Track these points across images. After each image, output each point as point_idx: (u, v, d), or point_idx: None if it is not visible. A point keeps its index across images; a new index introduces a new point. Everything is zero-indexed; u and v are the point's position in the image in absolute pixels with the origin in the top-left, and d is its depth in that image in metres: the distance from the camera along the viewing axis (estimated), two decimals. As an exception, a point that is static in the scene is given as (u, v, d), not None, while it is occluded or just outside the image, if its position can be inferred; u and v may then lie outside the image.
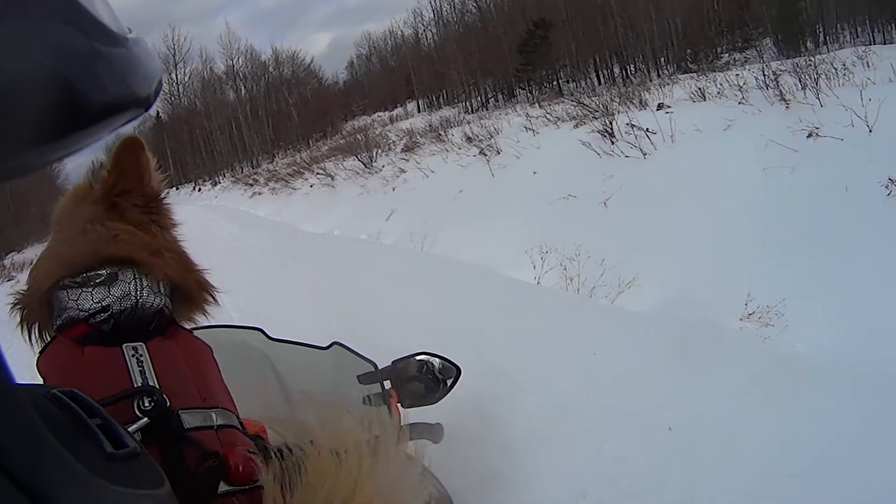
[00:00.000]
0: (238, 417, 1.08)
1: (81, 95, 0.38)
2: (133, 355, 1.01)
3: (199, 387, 1.04)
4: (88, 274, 1.06)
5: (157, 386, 0.97)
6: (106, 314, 1.04)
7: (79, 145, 0.39)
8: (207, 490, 0.88)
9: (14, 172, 0.37)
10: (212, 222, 22.11)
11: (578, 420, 3.60)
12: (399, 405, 1.54)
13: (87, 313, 1.04)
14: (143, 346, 1.03)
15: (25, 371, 1.01)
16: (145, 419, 0.90)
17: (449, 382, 1.60)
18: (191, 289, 1.18)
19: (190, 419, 0.96)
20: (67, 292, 1.06)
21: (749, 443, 3.16)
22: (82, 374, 0.98)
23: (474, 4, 53.83)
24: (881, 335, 4.45)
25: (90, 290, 1.05)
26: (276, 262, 10.42)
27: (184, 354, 1.08)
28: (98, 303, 1.05)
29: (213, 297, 1.23)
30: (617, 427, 3.48)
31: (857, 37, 31.52)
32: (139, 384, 0.97)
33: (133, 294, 1.07)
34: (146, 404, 0.92)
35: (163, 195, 1.20)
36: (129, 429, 0.86)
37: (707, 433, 3.29)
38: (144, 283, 1.09)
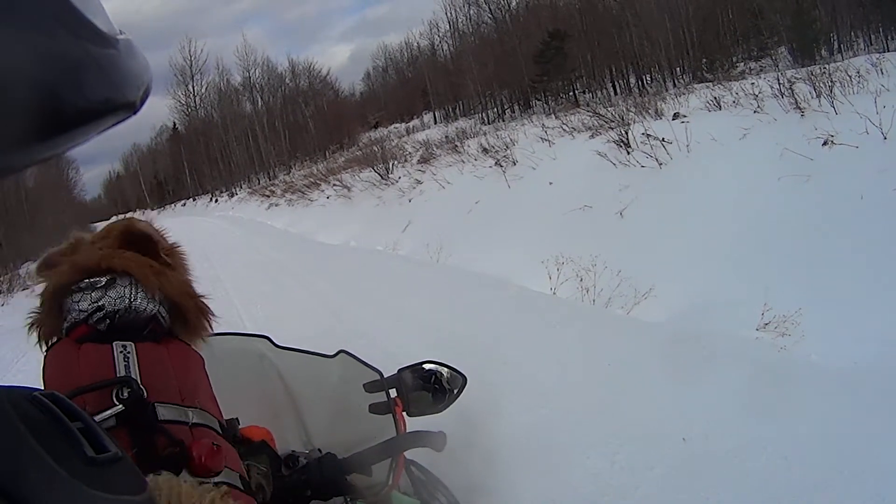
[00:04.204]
0: (221, 423, 1.12)
1: (68, 97, 0.37)
2: (121, 351, 1.06)
3: (182, 388, 1.09)
4: (91, 280, 1.13)
5: (139, 380, 1.02)
6: (101, 313, 1.11)
7: (63, 147, 0.38)
8: None
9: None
10: (227, 233, 22.32)
11: (592, 430, 3.59)
12: (404, 414, 1.55)
13: (86, 314, 1.11)
14: (132, 344, 1.08)
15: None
16: (120, 406, 0.95)
17: (455, 392, 1.60)
18: (189, 312, 1.22)
19: (165, 412, 1.01)
20: (72, 296, 1.12)
21: (764, 452, 3.13)
22: (76, 369, 1.04)
23: (490, 16, 53.99)
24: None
25: (90, 292, 1.12)
26: (291, 274, 10.49)
27: (172, 359, 1.13)
28: (95, 303, 1.11)
29: (210, 325, 1.27)
30: (630, 437, 3.46)
31: (871, 44, 31.08)
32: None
33: (127, 297, 1.13)
34: (124, 394, 0.97)
35: (178, 247, 1.30)
36: (103, 414, 0.92)
37: (722, 443, 3.27)
38: (139, 290, 1.15)
